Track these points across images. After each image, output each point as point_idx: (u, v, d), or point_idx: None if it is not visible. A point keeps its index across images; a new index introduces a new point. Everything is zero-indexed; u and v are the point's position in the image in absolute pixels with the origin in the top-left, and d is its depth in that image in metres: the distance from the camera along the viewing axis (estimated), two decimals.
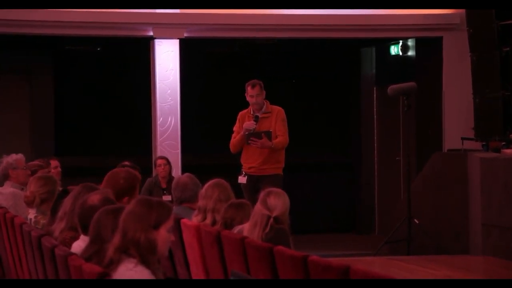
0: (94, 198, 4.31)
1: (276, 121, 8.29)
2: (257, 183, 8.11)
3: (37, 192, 5.84)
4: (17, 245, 5.33)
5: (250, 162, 8.30)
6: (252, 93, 8.25)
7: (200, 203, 5.73)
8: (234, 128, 8.45)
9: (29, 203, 5.90)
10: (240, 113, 8.45)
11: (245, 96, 8.37)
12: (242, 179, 8.27)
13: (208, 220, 5.60)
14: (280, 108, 8.39)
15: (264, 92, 8.31)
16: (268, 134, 8.18)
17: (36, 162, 7.73)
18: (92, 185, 4.76)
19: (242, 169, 8.35)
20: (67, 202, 4.68)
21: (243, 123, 8.32)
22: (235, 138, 8.38)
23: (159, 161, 9.45)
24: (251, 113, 8.36)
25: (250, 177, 8.26)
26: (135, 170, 8.21)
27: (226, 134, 8.65)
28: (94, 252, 3.75)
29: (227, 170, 8.19)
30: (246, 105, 8.45)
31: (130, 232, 3.55)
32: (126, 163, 8.41)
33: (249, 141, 8.20)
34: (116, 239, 3.57)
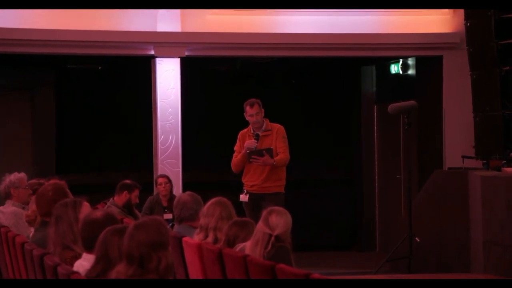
0: (96, 213, 4.33)
1: (277, 138, 8.32)
2: (259, 201, 8.11)
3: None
4: (18, 264, 5.33)
5: (252, 180, 8.31)
6: (252, 112, 8.28)
7: (202, 221, 5.73)
8: (235, 148, 8.46)
9: (31, 222, 5.91)
10: (241, 132, 8.48)
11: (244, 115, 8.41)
12: (244, 197, 8.27)
13: (210, 239, 5.60)
14: (280, 125, 8.42)
15: (263, 110, 8.35)
16: (270, 151, 8.20)
17: (34, 180, 7.73)
18: (66, 202, 4.80)
19: (244, 188, 8.36)
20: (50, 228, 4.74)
21: (244, 142, 8.35)
22: (236, 158, 8.39)
23: (160, 180, 9.44)
24: (252, 132, 8.39)
25: (252, 195, 8.26)
26: (135, 188, 8.32)
27: (227, 152, 8.68)
28: (100, 272, 3.75)
29: (229, 187, 8.21)
30: (247, 123, 8.48)
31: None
32: (127, 181, 8.43)
33: (251, 159, 8.22)
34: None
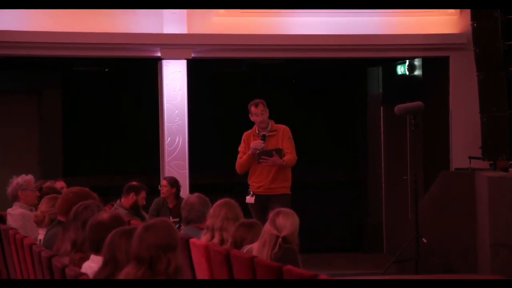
0: (103, 215, 4.33)
1: (283, 139, 8.33)
2: (265, 202, 8.11)
3: (47, 212, 5.87)
4: (27, 265, 5.34)
5: (259, 181, 8.30)
6: (257, 111, 8.29)
7: (208, 222, 5.74)
8: (240, 149, 8.46)
9: (39, 223, 5.93)
10: (245, 133, 8.48)
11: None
12: (250, 199, 8.26)
13: (216, 239, 5.60)
14: (285, 126, 8.43)
15: (267, 110, 8.36)
16: (279, 152, 8.22)
17: (47, 183, 7.73)
18: (88, 204, 4.79)
19: (250, 189, 8.36)
20: (67, 225, 4.74)
21: (248, 143, 8.35)
22: (241, 159, 8.39)
23: (162, 182, 9.39)
24: (257, 132, 8.39)
25: (258, 197, 8.26)
26: (142, 190, 8.31)
27: (234, 153, 8.68)
28: (108, 275, 3.75)
29: (236, 189, 8.20)
30: (253, 124, 8.48)
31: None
32: (134, 183, 8.43)
33: (260, 160, 8.23)
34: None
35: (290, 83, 12.13)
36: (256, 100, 8.34)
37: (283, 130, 8.38)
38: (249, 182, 8.38)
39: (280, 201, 7.91)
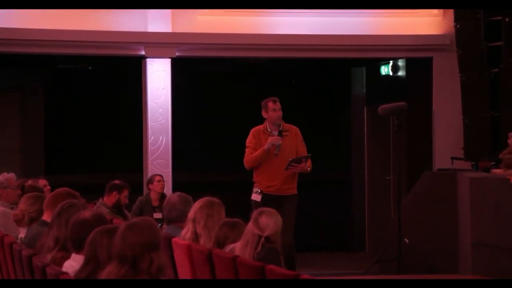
0: (85, 213, 4.31)
1: (297, 141, 8.26)
2: (275, 203, 7.61)
3: (26, 211, 5.84)
4: (7, 264, 5.31)
5: (270, 181, 8.12)
6: (276, 107, 8.18)
7: (189, 215, 5.71)
8: (249, 144, 8.18)
9: (18, 222, 5.89)
10: (255, 128, 8.24)
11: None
12: (256, 197, 8.07)
13: (190, 232, 5.55)
14: (296, 127, 8.35)
15: None
16: (307, 159, 8.19)
17: (29, 181, 7.70)
18: (74, 202, 4.77)
19: (256, 186, 8.16)
20: (51, 222, 4.71)
21: (259, 139, 8.11)
22: (253, 154, 8.11)
23: (158, 177, 9.45)
24: (268, 130, 8.22)
25: (267, 196, 8.04)
26: (125, 189, 8.30)
27: (217, 152, 8.67)
28: (89, 273, 3.74)
29: (220, 187, 8.18)
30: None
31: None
32: (116, 181, 8.42)
33: (290, 167, 8.09)
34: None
35: (274, 83, 12.13)
36: (274, 97, 8.25)
37: (296, 131, 8.29)
38: (256, 180, 8.17)
39: (291, 201, 7.91)
